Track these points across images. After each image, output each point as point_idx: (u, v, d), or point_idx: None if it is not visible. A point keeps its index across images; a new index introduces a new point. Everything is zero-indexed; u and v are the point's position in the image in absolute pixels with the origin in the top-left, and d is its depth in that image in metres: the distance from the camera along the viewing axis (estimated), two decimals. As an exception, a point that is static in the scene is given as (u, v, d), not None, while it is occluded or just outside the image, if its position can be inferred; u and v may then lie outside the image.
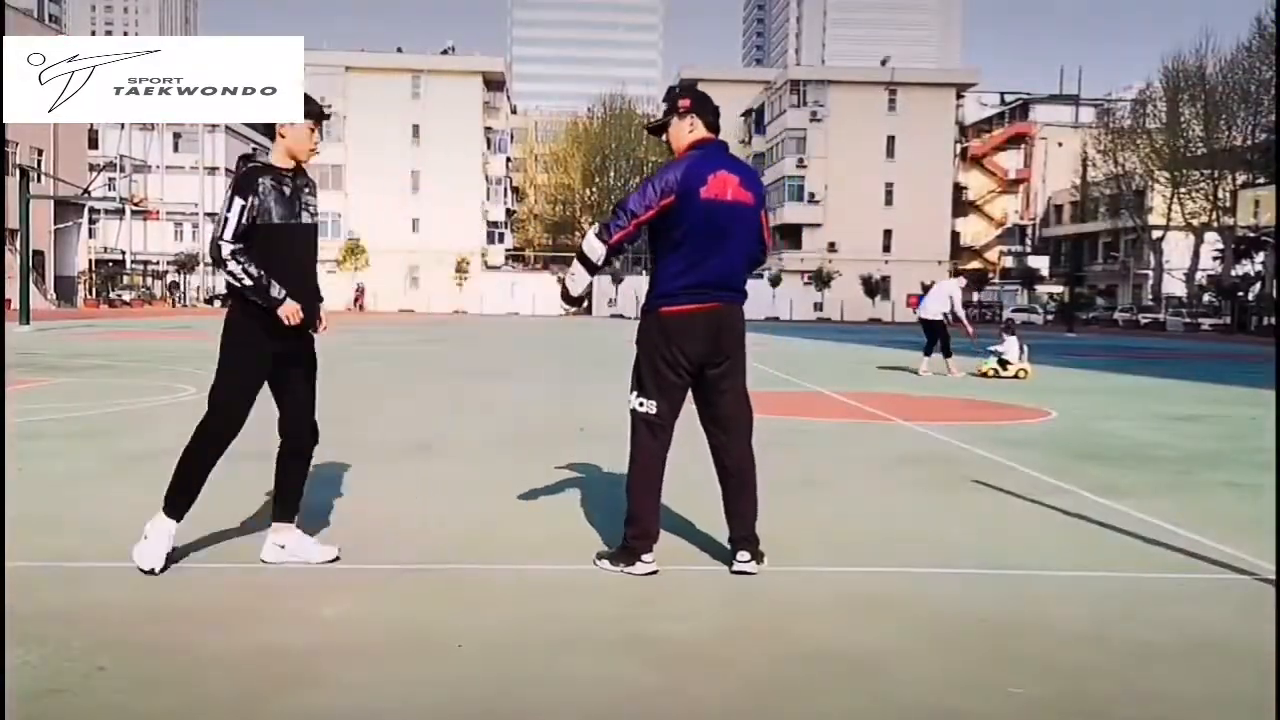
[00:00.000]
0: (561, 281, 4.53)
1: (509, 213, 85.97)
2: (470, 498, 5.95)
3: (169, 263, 74.50)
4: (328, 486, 6.07)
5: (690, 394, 4.45)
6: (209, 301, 72.44)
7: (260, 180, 4.15)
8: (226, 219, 4.10)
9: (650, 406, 4.34)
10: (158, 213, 69.67)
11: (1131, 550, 5.00)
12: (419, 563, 4.48)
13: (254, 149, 4.49)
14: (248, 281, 4.10)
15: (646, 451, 4.37)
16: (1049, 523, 5.61)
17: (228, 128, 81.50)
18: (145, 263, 75.37)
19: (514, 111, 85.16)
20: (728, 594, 4.10)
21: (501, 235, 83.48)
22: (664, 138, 4.50)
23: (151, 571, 4.14)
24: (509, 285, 74.83)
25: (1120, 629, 3.78)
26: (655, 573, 4.27)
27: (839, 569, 4.56)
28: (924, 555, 4.84)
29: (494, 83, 79.95)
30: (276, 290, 4.13)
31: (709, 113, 4.42)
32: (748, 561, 4.31)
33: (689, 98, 4.44)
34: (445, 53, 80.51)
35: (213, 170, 79.05)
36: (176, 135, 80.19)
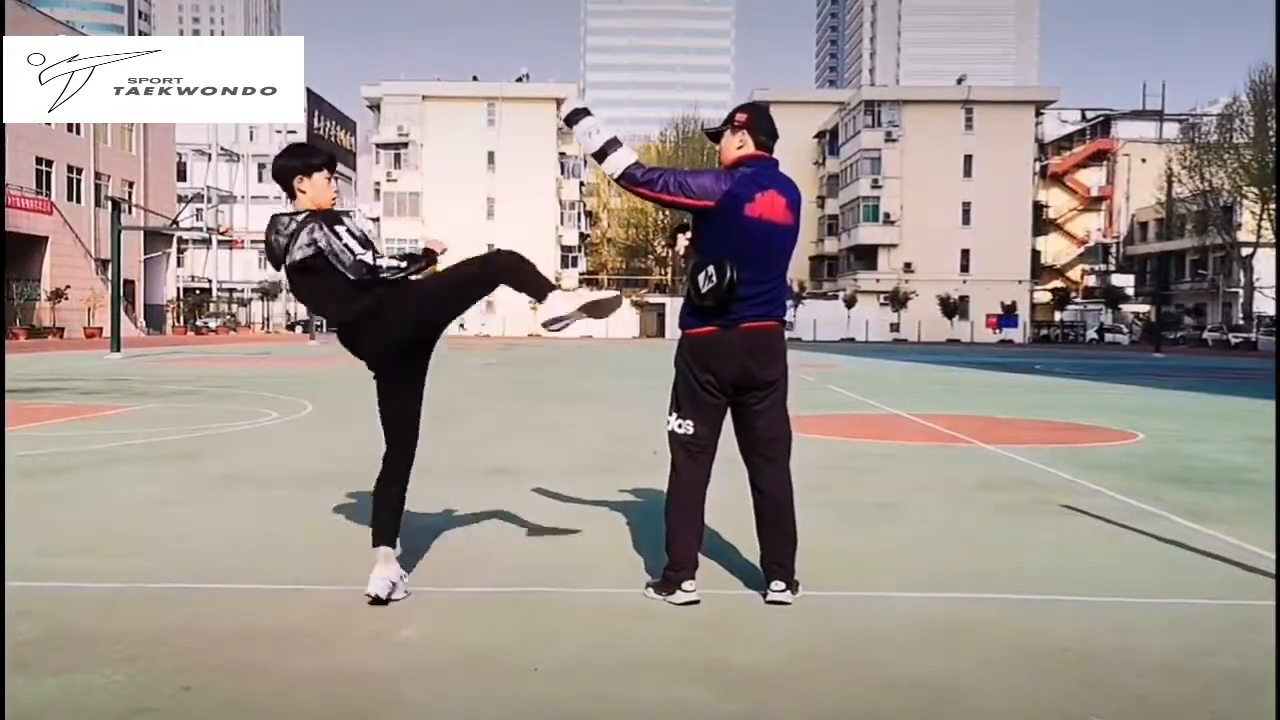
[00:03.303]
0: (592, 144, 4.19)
1: (583, 237, 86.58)
2: (547, 521, 5.97)
3: (253, 290, 76.34)
4: (406, 508, 6.14)
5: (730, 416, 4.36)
6: (290, 328, 74.03)
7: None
8: (346, 246, 4.01)
9: (688, 427, 4.26)
10: (242, 242, 71.48)
11: (1223, 576, 4.84)
12: (497, 585, 4.51)
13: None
14: (403, 264, 4.07)
15: (685, 476, 4.29)
16: (1136, 548, 5.46)
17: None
18: (230, 290, 77.32)
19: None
20: (803, 620, 4.05)
21: (575, 259, 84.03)
22: (717, 147, 4.44)
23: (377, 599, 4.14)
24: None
25: (1211, 658, 3.66)
26: (696, 602, 4.18)
27: (917, 594, 4.48)
28: (1006, 581, 4.74)
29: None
30: (407, 260, 4.10)
31: (763, 132, 4.31)
32: (782, 591, 4.21)
33: (746, 113, 4.36)
34: (519, 80, 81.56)
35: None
36: (261, 165, 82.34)
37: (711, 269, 4.08)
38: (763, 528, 4.33)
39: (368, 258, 4.01)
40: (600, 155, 4.18)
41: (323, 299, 4.20)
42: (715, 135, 4.43)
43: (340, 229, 4.05)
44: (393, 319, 4.10)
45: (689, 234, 4.47)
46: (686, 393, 4.28)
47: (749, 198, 4.14)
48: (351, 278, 4.02)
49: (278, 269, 4.21)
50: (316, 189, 4.19)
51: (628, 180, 4.17)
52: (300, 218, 4.12)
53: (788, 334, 4.45)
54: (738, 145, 4.31)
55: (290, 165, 4.20)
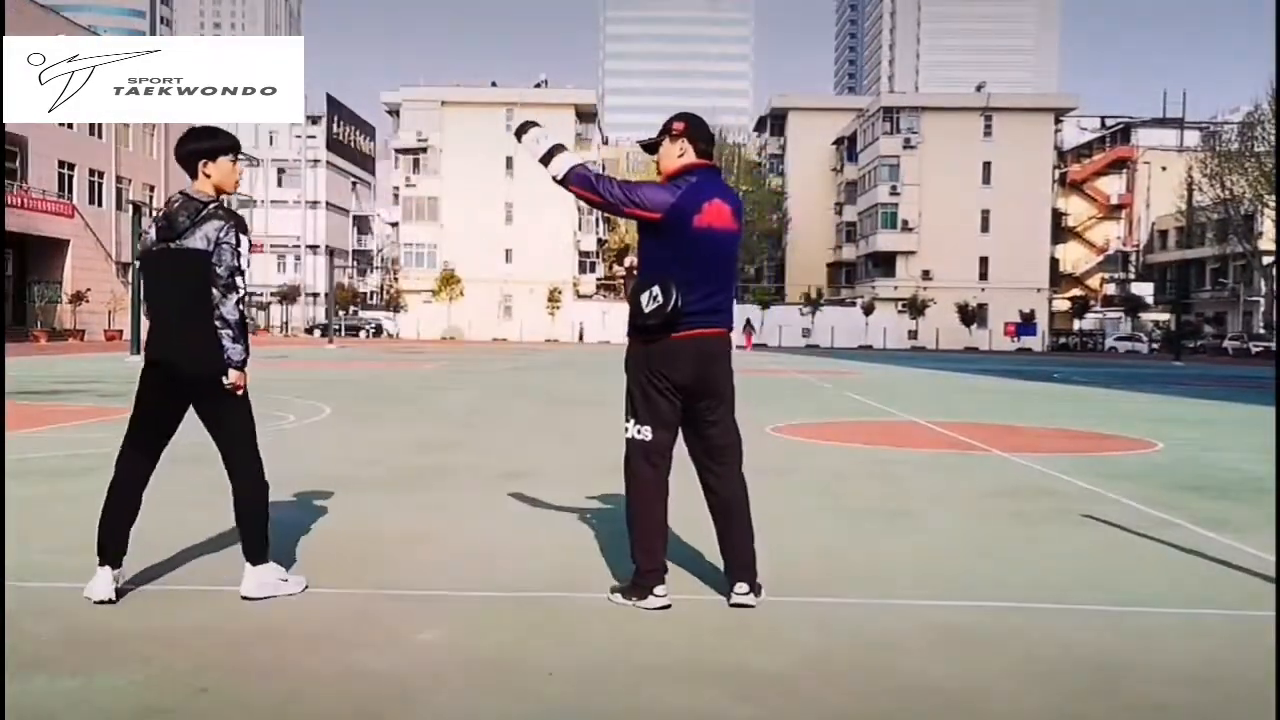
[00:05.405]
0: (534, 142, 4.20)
1: (600, 242, 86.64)
2: (562, 525, 5.97)
3: (272, 294, 76.76)
4: (424, 512, 6.16)
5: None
6: (309, 331, 74.36)
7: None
8: (241, 257, 4.11)
9: (645, 433, 4.26)
10: (261, 245, 71.83)
11: (1242, 586, 4.81)
12: (513, 590, 4.51)
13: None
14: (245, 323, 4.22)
15: (645, 482, 4.29)
16: (1155, 557, 5.42)
17: (329, 163, 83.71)
18: (249, 294, 77.66)
19: (605, 142, 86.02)
20: (816, 625, 4.04)
21: (593, 265, 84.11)
22: (654, 158, 4.39)
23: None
24: (600, 314, 75.29)
25: (1230, 668, 3.63)
26: (668, 606, 4.18)
27: (933, 602, 4.46)
28: (1023, 590, 4.71)
29: (586, 114, 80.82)
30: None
31: (702, 139, 4.31)
32: (746, 594, 4.20)
33: (684, 121, 4.33)
34: (538, 86, 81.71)
35: (314, 204, 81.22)
36: (280, 170, 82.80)
37: (657, 290, 4.07)
38: (721, 530, 4.35)
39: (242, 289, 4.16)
40: (545, 160, 4.18)
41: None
42: (652, 147, 4.40)
43: (245, 241, 4.11)
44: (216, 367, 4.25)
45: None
46: (641, 397, 4.27)
47: (697, 208, 4.14)
48: (217, 292, 4.06)
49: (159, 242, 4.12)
50: (222, 173, 4.18)
51: (576, 181, 4.15)
52: (214, 207, 4.11)
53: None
54: (678, 153, 4.29)
55: (197, 148, 4.12)
